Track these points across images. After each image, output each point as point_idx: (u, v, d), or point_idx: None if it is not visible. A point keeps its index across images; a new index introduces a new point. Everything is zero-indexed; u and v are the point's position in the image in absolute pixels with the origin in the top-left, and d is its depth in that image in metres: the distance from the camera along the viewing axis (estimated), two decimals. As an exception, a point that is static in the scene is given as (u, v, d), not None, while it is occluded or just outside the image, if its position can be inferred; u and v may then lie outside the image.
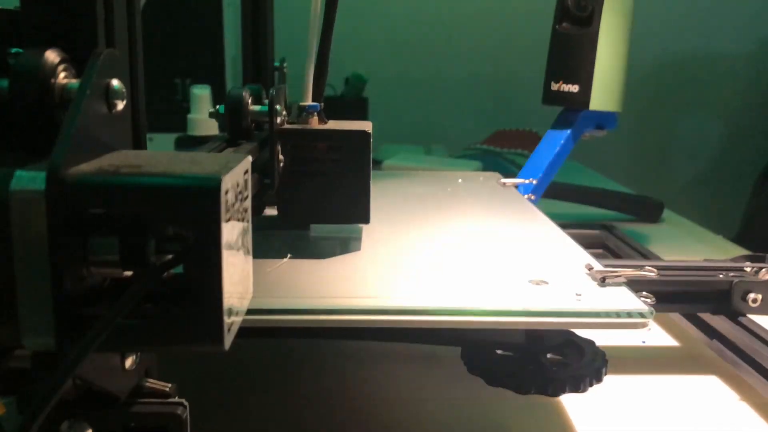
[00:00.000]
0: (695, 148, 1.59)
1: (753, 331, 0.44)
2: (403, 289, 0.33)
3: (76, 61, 0.23)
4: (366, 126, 0.39)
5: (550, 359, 0.36)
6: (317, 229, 0.43)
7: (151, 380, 0.27)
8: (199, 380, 0.43)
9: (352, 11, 1.26)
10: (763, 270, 0.46)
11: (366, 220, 0.39)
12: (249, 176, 0.25)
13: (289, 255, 0.36)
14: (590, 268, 0.35)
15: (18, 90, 0.22)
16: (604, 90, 0.64)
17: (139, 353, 0.25)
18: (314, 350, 0.48)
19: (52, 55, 0.23)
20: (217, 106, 0.41)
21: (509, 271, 0.35)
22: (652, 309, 0.30)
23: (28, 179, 0.20)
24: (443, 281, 0.34)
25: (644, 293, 0.33)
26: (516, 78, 1.47)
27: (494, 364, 0.35)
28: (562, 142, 0.65)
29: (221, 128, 0.42)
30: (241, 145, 0.39)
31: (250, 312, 0.26)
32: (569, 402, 0.41)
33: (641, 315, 0.30)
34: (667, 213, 0.88)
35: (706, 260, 0.53)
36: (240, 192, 0.24)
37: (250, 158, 0.25)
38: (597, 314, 0.30)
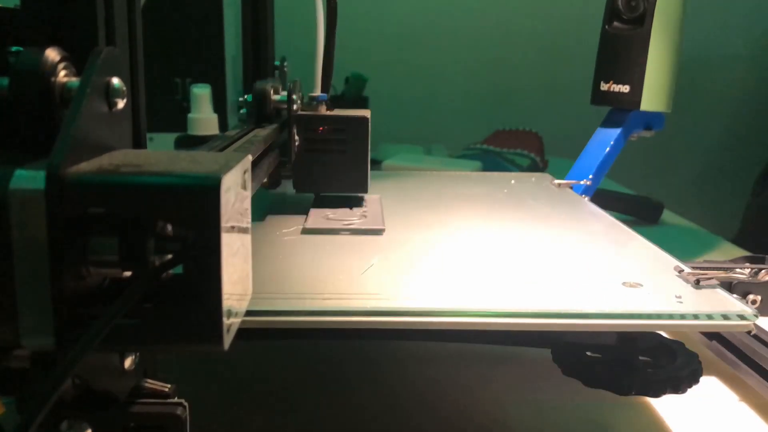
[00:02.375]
0: (695, 148, 1.59)
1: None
2: (502, 293, 0.32)
3: (76, 60, 0.23)
4: (366, 113, 0.48)
5: (642, 361, 0.36)
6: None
7: (150, 380, 0.27)
8: (199, 380, 0.42)
9: (353, 11, 1.26)
10: (763, 271, 0.46)
11: (365, 190, 0.48)
12: (249, 175, 0.25)
13: (376, 258, 0.37)
14: (680, 271, 0.35)
15: (18, 88, 0.22)
16: (655, 90, 0.63)
17: (138, 353, 0.25)
18: (314, 350, 0.48)
19: (52, 54, 0.22)
20: (246, 96, 0.50)
21: (600, 274, 0.35)
22: (757, 311, 0.30)
23: (28, 178, 0.20)
24: (533, 285, 0.33)
25: (751, 297, 0.33)
26: (516, 78, 1.47)
27: (591, 366, 0.35)
28: (612, 142, 0.65)
29: (220, 126, 0.46)
30: (265, 127, 0.47)
31: (249, 313, 0.26)
32: (572, 402, 0.41)
33: (743, 317, 0.30)
34: (666, 213, 0.88)
35: (705, 261, 0.53)
36: (240, 191, 0.23)
37: (249, 158, 0.25)
38: (705, 316, 0.30)
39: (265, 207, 0.47)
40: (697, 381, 0.35)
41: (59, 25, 0.24)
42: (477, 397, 0.42)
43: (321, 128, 0.47)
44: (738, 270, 0.36)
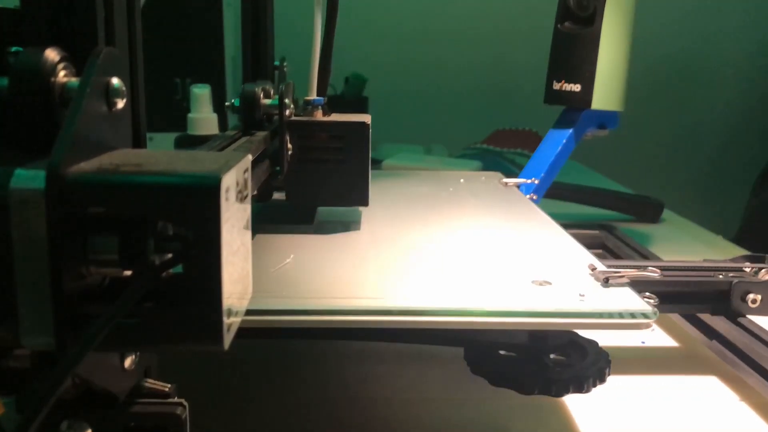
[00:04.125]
0: (695, 148, 1.59)
1: (752, 332, 0.44)
2: (405, 289, 0.33)
3: (76, 60, 0.23)
4: (365, 118, 0.43)
5: (553, 359, 0.36)
6: (318, 226, 0.43)
7: (150, 380, 0.27)
8: (199, 380, 0.43)
9: (353, 11, 1.26)
10: (763, 270, 0.46)
11: (365, 203, 0.44)
12: (249, 175, 0.25)
13: (291, 255, 0.37)
14: (593, 269, 0.35)
15: (18, 89, 0.22)
16: (606, 89, 0.64)
17: (138, 353, 0.25)
18: (314, 350, 0.48)
19: (52, 54, 0.22)
20: (233, 100, 0.44)
21: (512, 271, 0.35)
22: (656, 310, 0.30)
23: (28, 178, 0.20)
24: (446, 282, 0.34)
25: (647, 294, 0.33)
26: (516, 78, 1.47)
27: (498, 365, 0.35)
28: (564, 141, 0.65)
29: (220, 126, 0.44)
30: (254, 134, 0.43)
31: (249, 312, 0.26)
32: (572, 402, 0.41)
33: (644, 315, 0.30)
34: (666, 213, 0.88)
35: (705, 260, 0.53)
36: (240, 191, 0.23)
37: (249, 157, 0.25)
38: (600, 315, 0.30)
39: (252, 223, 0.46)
40: (603, 380, 0.35)
41: (59, 25, 0.24)
42: (381, 394, 0.42)
43: (319, 135, 0.43)
44: (650, 268, 0.36)
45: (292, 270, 0.35)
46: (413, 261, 0.37)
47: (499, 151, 1.08)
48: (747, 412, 0.42)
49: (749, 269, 0.47)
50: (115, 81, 0.23)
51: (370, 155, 0.43)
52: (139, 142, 0.27)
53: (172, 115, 0.87)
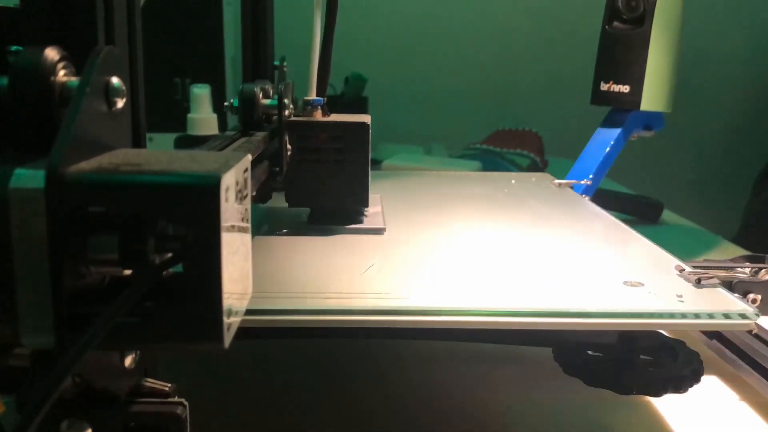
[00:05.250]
0: (695, 148, 1.59)
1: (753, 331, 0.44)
2: (503, 292, 0.32)
3: (75, 59, 0.23)
4: (365, 118, 0.43)
5: (644, 360, 0.36)
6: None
7: (150, 380, 0.27)
8: (199, 380, 0.42)
9: (353, 11, 1.26)
10: (763, 270, 0.46)
11: (365, 204, 0.44)
12: (249, 174, 0.25)
13: (376, 258, 0.37)
14: (681, 270, 0.35)
15: (18, 88, 0.22)
16: (655, 90, 0.63)
17: (138, 352, 0.25)
18: (313, 350, 0.48)
19: (51, 53, 0.22)
20: (231, 100, 0.44)
21: (601, 273, 0.35)
22: (758, 310, 0.30)
23: (28, 177, 0.20)
24: (533, 284, 0.34)
25: (751, 296, 0.33)
26: (516, 77, 1.47)
27: (592, 365, 0.35)
28: (612, 142, 0.65)
29: (220, 126, 0.43)
30: (253, 135, 0.42)
31: (249, 312, 0.26)
32: (570, 401, 0.41)
33: (744, 316, 0.30)
34: (666, 213, 0.88)
35: (705, 260, 0.52)
36: (240, 190, 0.23)
37: (249, 156, 0.25)
38: (706, 315, 0.30)
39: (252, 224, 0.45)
40: (698, 380, 0.35)
41: (59, 24, 0.24)
42: (478, 396, 0.42)
43: (318, 135, 0.43)
44: (739, 269, 0.37)
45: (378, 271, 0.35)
46: (504, 264, 0.37)
47: (499, 151, 1.07)
48: (747, 411, 0.42)
49: (749, 269, 0.47)
50: (115, 80, 0.23)
51: (369, 156, 0.43)
52: (138, 142, 0.27)
53: (172, 115, 0.87)
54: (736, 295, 0.32)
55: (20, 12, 0.24)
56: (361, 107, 1.16)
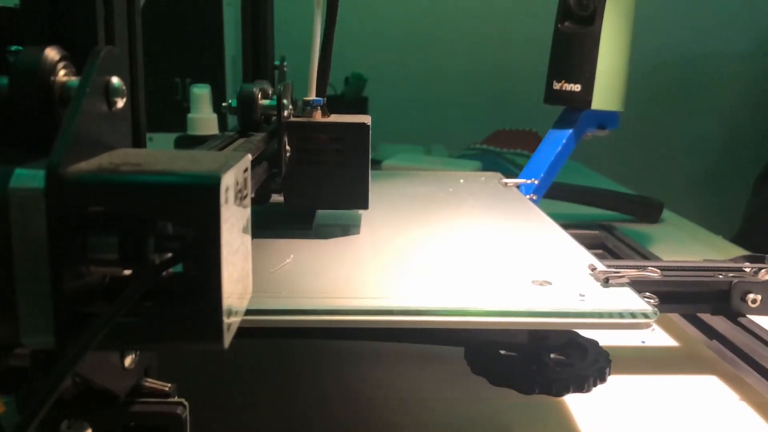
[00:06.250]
0: (695, 148, 1.59)
1: (752, 332, 0.44)
2: (405, 289, 0.33)
3: (75, 59, 0.23)
4: (365, 119, 0.42)
5: (553, 359, 0.36)
6: (317, 228, 0.43)
7: (150, 380, 0.27)
8: (199, 380, 0.42)
9: (353, 11, 1.26)
10: (763, 270, 0.46)
11: (365, 206, 0.43)
12: (249, 174, 0.25)
13: (291, 255, 0.37)
14: (593, 269, 0.35)
15: (18, 88, 0.22)
16: (606, 89, 0.64)
17: (138, 352, 0.25)
18: (313, 350, 0.48)
19: (52, 53, 0.22)
20: (230, 101, 0.43)
21: (512, 271, 0.35)
22: (656, 309, 0.30)
23: (28, 177, 0.20)
24: (446, 282, 0.34)
25: (647, 294, 0.33)
26: (516, 77, 1.47)
27: (498, 365, 0.35)
28: (564, 141, 0.65)
29: (220, 126, 0.43)
30: (252, 136, 0.42)
31: (249, 312, 0.26)
32: (572, 402, 0.41)
33: (645, 315, 0.30)
34: (666, 213, 0.88)
35: (705, 260, 0.53)
36: (240, 190, 0.23)
37: (249, 156, 0.25)
38: (600, 315, 0.30)
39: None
40: (604, 380, 0.35)
41: (59, 24, 0.24)
42: (390, 395, 0.42)
43: (318, 136, 0.42)
44: (650, 268, 0.36)
45: (292, 270, 0.35)
46: (413, 261, 0.37)
47: (499, 152, 1.08)
48: (747, 411, 0.42)
49: (749, 269, 0.47)
50: (115, 80, 0.23)
51: (370, 157, 0.42)
52: (139, 142, 0.27)
53: (172, 115, 0.87)
54: (643, 294, 0.32)
55: (20, 12, 0.24)
56: (361, 107, 1.16)
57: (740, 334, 0.44)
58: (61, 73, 0.23)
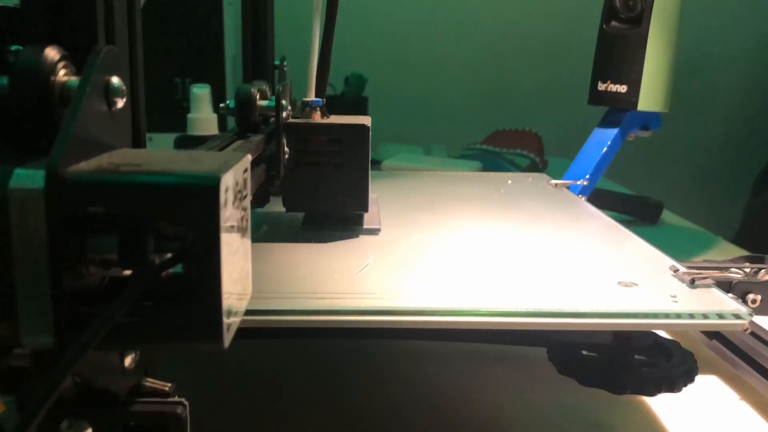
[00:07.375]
0: (695, 148, 1.59)
1: (753, 332, 0.44)
2: (497, 292, 0.32)
3: (75, 59, 0.23)
4: (365, 120, 0.42)
5: (638, 360, 0.36)
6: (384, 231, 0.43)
7: (150, 379, 0.27)
8: (199, 380, 0.42)
9: (353, 11, 1.26)
10: (763, 270, 0.46)
11: (365, 208, 0.42)
12: (248, 175, 0.25)
13: (371, 258, 0.37)
14: (675, 270, 0.35)
15: (18, 88, 0.22)
16: (653, 90, 0.63)
17: (138, 352, 0.25)
18: (313, 350, 0.48)
19: (52, 53, 0.22)
20: (228, 101, 0.43)
21: (596, 273, 0.35)
22: (752, 310, 0.30)
23: (27, 177, 0.20)
24: (528, 285, 0.33)
25: (751, 296, 0.33)
26: (516, 78, 1.47)
27: (586, 365, 0.35)
28: (609, 142, 0.65)
29: (220, 126, 0.43)
30: (250, 137, 0.41)
31: (249, 312, 0.26)
32: (572, 401, 0.41)
33: (738, 316, 0.30)
34: (666, 213, 0.88)
35: (705, 261, 0.53)
36: (239, 191, 0.23)
37: (249, 157, 0.25)
38: (699, 315, 0.30)
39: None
40: (692, 380, 0.35)
41: (59, 24, 0.24)
42: (473, 396, 0.42)
43: (317, 138, 0.41)
44: (734, 269, 0.37)
45: (370, 271, 0.35)
46: (500, 264, 0.37)
47: (498, 152, 1.07)
48: (747, 411, 0.42)
49: (749, 269, 0.47)
50: (115, 80, 0.23)
51: (370, 159, 0.42)
52: (138, 142, 0.27)
53: (172, 115, 0.87)
54: (730, 295, 0.32)
55: (20, 12, 0.24)
56: (361, 107, 1.16)
57: (740, 334, 0.44)
58: (61, 73, 0.23)
